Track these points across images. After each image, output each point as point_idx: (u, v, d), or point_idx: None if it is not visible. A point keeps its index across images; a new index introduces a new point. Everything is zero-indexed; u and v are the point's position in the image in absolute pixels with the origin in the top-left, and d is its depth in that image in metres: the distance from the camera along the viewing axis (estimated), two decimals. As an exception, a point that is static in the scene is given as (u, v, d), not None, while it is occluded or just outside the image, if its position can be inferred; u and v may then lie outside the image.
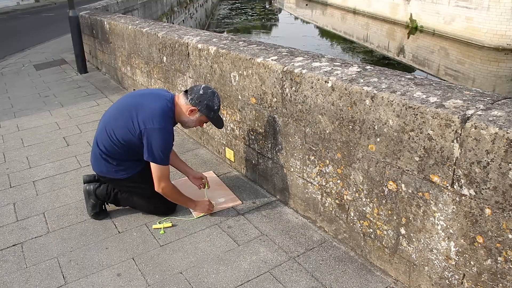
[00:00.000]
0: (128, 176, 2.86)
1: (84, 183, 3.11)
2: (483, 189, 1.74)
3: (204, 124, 2.97)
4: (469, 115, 1.74)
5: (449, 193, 1.88)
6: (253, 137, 3.24)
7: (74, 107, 5.80)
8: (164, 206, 2.96)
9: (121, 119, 2.74)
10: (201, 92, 2.75)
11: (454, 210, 1.88)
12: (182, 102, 2.77)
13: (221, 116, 2.93)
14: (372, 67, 2.46)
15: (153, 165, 2.68)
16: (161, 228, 2.85)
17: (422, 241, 2.08)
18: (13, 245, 2.79)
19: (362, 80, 2.25)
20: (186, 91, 2.80)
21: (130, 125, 2.67)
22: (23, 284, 2.43)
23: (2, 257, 2.67)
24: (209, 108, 2.76)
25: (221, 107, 2.86)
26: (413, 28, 23.09)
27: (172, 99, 2.79)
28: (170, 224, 2.88)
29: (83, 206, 3.16)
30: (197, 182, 3.16)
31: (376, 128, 2.15)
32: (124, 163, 2.85)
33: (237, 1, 44.90)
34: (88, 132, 4.73)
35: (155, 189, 2.73)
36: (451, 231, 1.92)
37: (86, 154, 4.11)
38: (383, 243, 2.32)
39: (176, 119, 2.81)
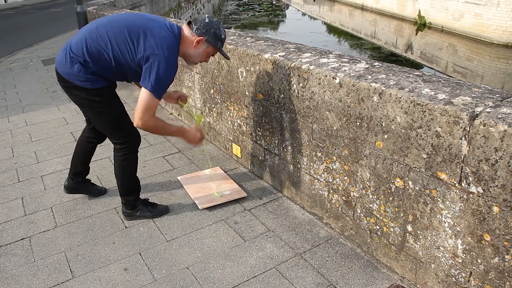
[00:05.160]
0: (94, 88, 2.56)
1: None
2: (491, 187, 1.73)
3: (210, 58, 2.85)
4: (477, 112, 1.73)
5: (457, 191, 1.87)
6: (260, 133, 3.24)
7: (82, 102, 5.82)
8: (134, 138, 2.80)
9: (123, 34, 2.46)
10: (206, 20, 2.54)
11: (461, 207, 1.87)
12: (187, 33, 2.55)
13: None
14: (380, 64, 2.45)
15: (143, 94, 2.41)
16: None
17: (429, 238, 2.07)
18: (21, 239, 2.81)
19: (370, 77, 2.24)
20: (189, 22, 2.59)
21: (134, 44, 2.44)
22: (31, 278, 2.46)
23: (11, 251, 2.70)
24: (217, 36, 2.56)
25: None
26: (421, 25, 22.94)
27: (179, 32, 2.55)
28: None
29: (91, 200, 3.19)
30: (173, 102, 3.04)
31: (383, 125, 2.14)
32: (97, 76, 2.54)
33: (244, -3, 44.78)
34: (96, 127, 4.75)
35: (134, 122, 2.47)
36: (458, 228, 1.91)
37: (94, 149, 4.13)
38: (390, 240, 2.31)
39: (180, 53, 2.59)
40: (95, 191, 3.26)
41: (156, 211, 2.98)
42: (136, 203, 2.93)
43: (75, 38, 2.56)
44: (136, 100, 5.71)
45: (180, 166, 3.67)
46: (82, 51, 2.47)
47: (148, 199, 3.05)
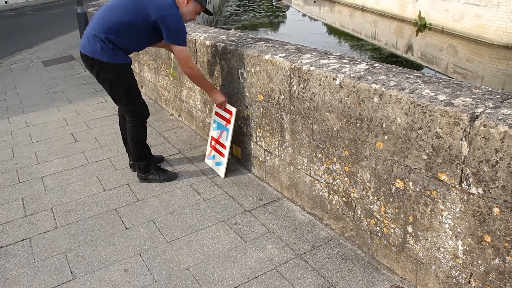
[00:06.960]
0: (116, 63, 3.05)
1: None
2: (491, 188, 1.72)
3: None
4: (478, 113, 1.73)
5: (457, 192, 1.87)
6: (260, 134, 3.24)
7: (82, 103, 5.83)
8: (142, 110, 3.32)
9: (131, 7, 2.98)
10: None
11: (462, 208, 1.87)
12: None
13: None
14: (380, 65, 2.45)
15: (176, 49, 3.03)
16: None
17: (430, 239, 2.07)
18: (22, 240, 2.81)
19: (370, 78, 2.24)
20: None
21: (144, 12, 2.94)
22: (31, 279, 2.46)
23: (11, 252, 2.70)
24: None
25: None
26: (421, 26, 22.93)
27: None
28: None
29: (91, 201, 3.19)
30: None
31: (384, 126, 2.14)
32: (118, 50, 3.03)
33: (244, -2, 44.78)
34: (96, 128, 4.75)
35: (184, 71, 3.14)
36: (458, 230, 1.91)
37: (94, 150, 4.13)
38: (390, 241, 2.31)
39: None
40: (155, 160, 3.65)
41: (166, 175, 3.47)
42: (148, 168, 3.43)
43: (93, 23, 3.05)
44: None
45: (180, 167, 3.67)
46: (103, 28, 2.97)
47: (160, 165, 3.60)
